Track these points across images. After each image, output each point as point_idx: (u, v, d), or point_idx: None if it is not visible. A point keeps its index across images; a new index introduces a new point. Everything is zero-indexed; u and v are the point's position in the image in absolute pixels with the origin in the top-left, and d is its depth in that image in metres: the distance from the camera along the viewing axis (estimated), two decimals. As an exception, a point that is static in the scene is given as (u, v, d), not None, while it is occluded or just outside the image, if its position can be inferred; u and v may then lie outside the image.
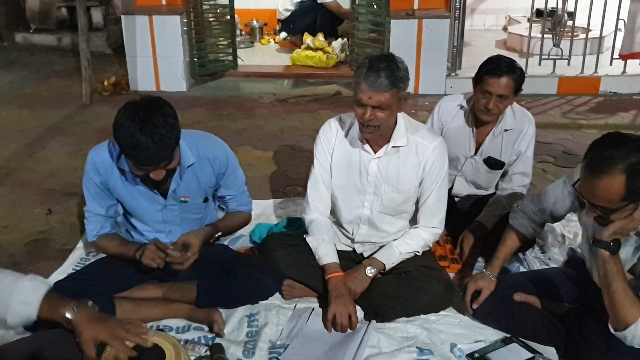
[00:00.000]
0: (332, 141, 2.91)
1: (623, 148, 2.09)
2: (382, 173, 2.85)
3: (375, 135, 2.74)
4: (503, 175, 3.42)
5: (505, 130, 3.27)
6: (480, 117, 3.21)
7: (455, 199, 3.54)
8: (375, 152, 2.83)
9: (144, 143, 2.38)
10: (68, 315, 2.16)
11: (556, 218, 2.81)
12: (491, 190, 3.50)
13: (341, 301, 2.74)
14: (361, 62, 2.66)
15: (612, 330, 2.27)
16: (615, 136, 2.17)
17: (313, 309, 2.88)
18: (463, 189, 3.50)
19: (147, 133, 2.38)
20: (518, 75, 3.07)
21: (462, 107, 3.34)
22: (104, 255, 3.03)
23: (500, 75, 3.04)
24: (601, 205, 2.16)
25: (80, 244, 3.47)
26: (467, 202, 3.54)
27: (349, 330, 2.72)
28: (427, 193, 2.88)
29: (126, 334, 2.16)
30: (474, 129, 3.31)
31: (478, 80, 3.13)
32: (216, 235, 2.97)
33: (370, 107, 2.62)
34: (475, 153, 3.36)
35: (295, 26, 7.86)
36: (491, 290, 2.73)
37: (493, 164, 3.35)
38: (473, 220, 3.32)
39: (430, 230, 2.93)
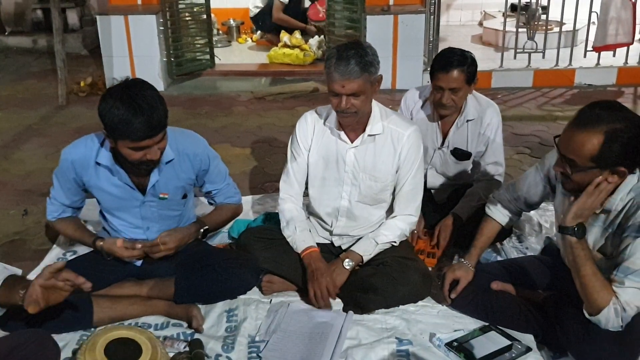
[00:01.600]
0: (310, 135, 2.93)
1: (613, 113, 2.16)
2: (359, 162, 2.87)
3: (354, 120, 2.76)
4: (476, 168, 3.43)
5: (468, 120, 3.29)
6: (438, 111, 3.25)
7: (432, 191, 3.55)
8: (352, 142, 2.85)
9: (136, 114, 2.42)
10: (21, 291, 2.19)
11: (531, 205, 2.84)
12: (464, 181, 3.50)
13: (318, 274, 2.79)
14: (330, 53, 2.70)
15: (587, 315, 2.29)
16: (611, 102, 2.25)
17: (289, 304, 2.88)
18: (436, 180, 3.52)
19: (136, 104, 2.42)
20: (468, 66, 3.09)
21: (426, 99, 3.36)
22: (81, 254, 3.02)
23: (448, 70, 3.06)
24: (571, 157, 2.22)
25: (56, 244, 3.44)
26: (444, 194, 3.55)
27: (328, 314, 2.75)
28: (402, 181, 2.89)
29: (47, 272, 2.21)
30: (439, 122, 3.34)
31: (431, 75, 3.17)
32: (202, 230, 2.95)
33: (345, 95, 2.64)
34: (442, 145, 3.38)
35: (264, 23, 7.86)
36: (469, 279, 2.75)
37: (460, 154, 3.37)
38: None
39: (406, 218, 2.94)
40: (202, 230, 2.95)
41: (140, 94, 2.45)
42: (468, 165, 3.43)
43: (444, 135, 3.37)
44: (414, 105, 3.42)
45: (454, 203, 3.38)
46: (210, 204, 3.18)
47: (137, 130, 2.45)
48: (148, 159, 2.57)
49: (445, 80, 3.09)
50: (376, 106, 2.84)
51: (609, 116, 2.15)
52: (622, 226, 2.30)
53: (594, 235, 2.39)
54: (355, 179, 2.90)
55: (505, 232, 3.13)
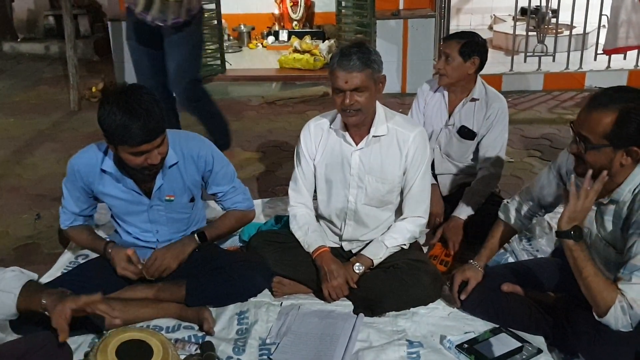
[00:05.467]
0: (314, 143, 2.96)
1: (627, 94, 2.22)
2: (365, 164, 2.88)
3: (359, 119, 2.77)
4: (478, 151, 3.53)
5: (474, 99, 3.43)
6: (439, 83, 3.48)
7: (438, 177, 3.61)
8: (357, 144, 2.86)
9: (132, 119, 2.43)
10: (43, 300, 2.20)
11: (545, 207, 2.83)
12: (466, 163, 3.58)
13: (331, 273, 2.82)
14: (333, 54, 2.75)
15: (596, 318, 2.28)
16: (624, 86, 2.32)
17: (299, 306, 2.88)
18: (439, 162, 3.60)
19: (132, 109, 2.43)
20: (466, 41, 3.34)
21: (437, 84, 3.54)
22: (93, 258, 3.05)
23: (446, 39, 3.45)
24: (584, 134, 2.25)
25: (68, 249, 3.46)
26: (450, 187, 3.63)
27: (339, 317, 2.76)
28: (410, 182, 2.90)
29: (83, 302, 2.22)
30: (447, 99, 3.50)
31: None
32: (196, 235, 2.95)
33: (348, 91, 2.66)
34: (448, 122, 3.51)
35: None
36: (478, 280, 2.75)
37: (465, 133, 3.47)
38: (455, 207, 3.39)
39: (415, 220, 2.94)
40: (196, 236, 2.95)
41: (137, 99, 2.46)
42: (471, 146, 3.51)
43: (450, 114, 3.50)
44: (427, 93, 3.60)
45: (459, 198, 3.44)
46: (223, 209, 3.18)
47: (134, 135, 2.46)
48: (149, 164, 2.58)
49: (443, 46, 3.42)
50: (380, 107, 2.86)
51: (622, 97, 2.21)
52: (629, 221, 2.30)
53: (609, 227, 2.40)
54: (361, 182, 2.91)
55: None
